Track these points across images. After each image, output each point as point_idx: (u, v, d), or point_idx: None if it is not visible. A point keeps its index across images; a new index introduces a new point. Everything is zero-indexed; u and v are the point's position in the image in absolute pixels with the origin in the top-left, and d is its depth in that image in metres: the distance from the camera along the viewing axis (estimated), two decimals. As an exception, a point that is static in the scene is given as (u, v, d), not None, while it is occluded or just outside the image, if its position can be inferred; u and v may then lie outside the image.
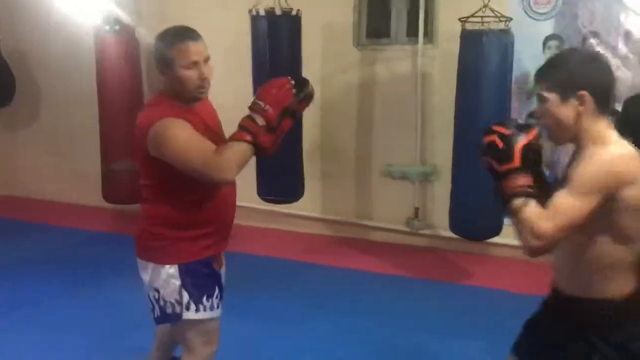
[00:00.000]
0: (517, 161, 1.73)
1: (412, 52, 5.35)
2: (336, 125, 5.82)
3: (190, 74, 2.28)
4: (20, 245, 5.58)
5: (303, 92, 2.33)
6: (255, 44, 4.81)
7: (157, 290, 2.35)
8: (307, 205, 5.82)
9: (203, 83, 2.34)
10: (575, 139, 1.77)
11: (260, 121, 2.24)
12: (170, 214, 2.35)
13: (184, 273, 2.33)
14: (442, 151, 5.22)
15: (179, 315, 2.33)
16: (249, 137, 2.22)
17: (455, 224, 4.67)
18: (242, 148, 2.23)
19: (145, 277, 2.39)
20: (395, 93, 5.49)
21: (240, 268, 4.93)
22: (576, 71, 1.71)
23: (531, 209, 1.69)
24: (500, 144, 1.76)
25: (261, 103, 2.27)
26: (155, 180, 2.35)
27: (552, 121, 1.76)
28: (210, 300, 2.36)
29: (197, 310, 2.33)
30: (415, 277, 4.81)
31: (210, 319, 2.39)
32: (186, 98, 2.36)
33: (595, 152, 1.68)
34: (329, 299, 4.34)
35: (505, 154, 1.75)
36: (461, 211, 4.59)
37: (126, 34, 5.81)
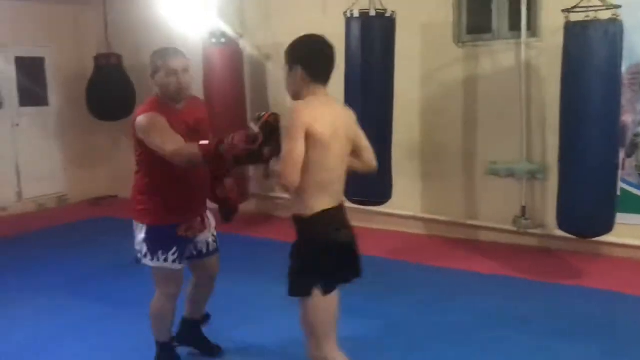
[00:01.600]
0: (260, 139, 2.41)
1: (516, 47, 5.20)
2: (437, 124, 5.77)
3: (170, 81, 2.92)
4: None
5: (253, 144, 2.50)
6: (349, 45, 4.88)
7: (135, 240, 3.07)
8: (406, 204, 5.82)
9: (180, 87, 2.94)
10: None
11: (222, 148, 2.61)
12: (145, 185, 3.03)
13: (148, 232, 2.99)
14: (549, 147, 5.03)
15: (140, 260, 3.05)
16: (204, 149, 2.67)
17: (564, 222, 4.48)
18: (193, 153, 2.71)
19: (134, 231, 3.08)
20: (499, 89, 5.35)
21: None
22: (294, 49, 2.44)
23: (276, 163, 2.36)
24: (250, 133, 2.44)
25: (231, 139, 2.57)
26: (138, 156, 3.03)
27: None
28: (165, 255, 2.98)
29: (151, 259, 2.99)
30: (522, 278, 4.66)
31: (166, 269, 3.00)
32: (169, 99, 2.96)
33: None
34: (431, 299, 4.31)
35: (251, 138, 2.43)
36: (570, 208, 4.40)
37: (231, 46, 6.12)
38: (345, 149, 2.42)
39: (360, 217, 6.13)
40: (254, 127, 2.46)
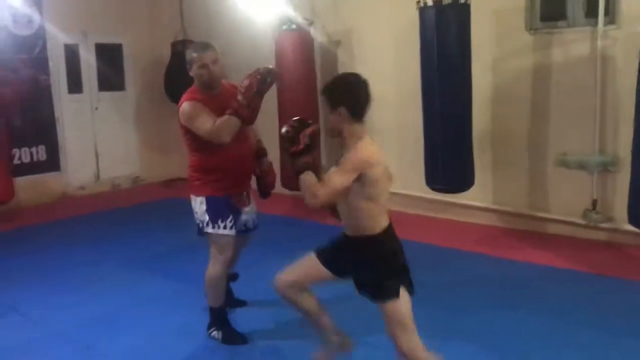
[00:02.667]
0: (302, 145, 2.59)
1: (591, 35, 5.02)
2: (508, 113, 5.66)
3: (202, 72, 3.39)
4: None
5: (267, 78, 3.24)
6: (424, 35, 4.86)
7: (196, 212, 3.48)
8: (478, 195, 5.76)
9: (210, 77, 3.42)
10: (340, 136, 2.65)
11: (241, 99, 3.20)
12: (196, 163, 3.47)
13: (207, 202, 3.42)
14: (624, 140, 4.85)
15: (203, 229, 3.46)
16: (232, 112, 3.21)
17: (635, 216, 4.34)
18: (228, 119, 3.21)
19: (193, 205, 3.49)
20: (572, 78, 5.20)
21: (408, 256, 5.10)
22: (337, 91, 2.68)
23: (311, 177, 2.56)
24: (292, 133, 2.62)
25: (241, 88, 3.22)
26: (186, 140, 3.45)
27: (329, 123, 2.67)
28: (224, 222, 3.43)
29: (212, 227, 3.42)
30: (591, 273, 4.54)
31: (223, 235, 3.43)
32: (204, 87, 3.44)
33: (354, 146, 2.58)
34: (500, 291, 4.27)
35: (295, 140, 2.60)
36: (641, 203, 4.25)
37: (301, 33, 6.19)
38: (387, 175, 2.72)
39: (429, 206, 6.15)
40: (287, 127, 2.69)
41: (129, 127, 8.35)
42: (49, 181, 7.44)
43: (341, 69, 6.68)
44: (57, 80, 7.51)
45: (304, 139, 2.61)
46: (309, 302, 2.84)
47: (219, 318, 3.58)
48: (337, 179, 2.51)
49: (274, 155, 4.07)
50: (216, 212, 3.42)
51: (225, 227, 3.44)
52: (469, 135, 5.09)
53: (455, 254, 5.11)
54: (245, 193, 3.60)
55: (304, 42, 6.25)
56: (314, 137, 2.65)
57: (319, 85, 6.59)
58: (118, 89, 8.18)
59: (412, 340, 2.63)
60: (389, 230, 2.70)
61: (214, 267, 3.48)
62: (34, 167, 7.18)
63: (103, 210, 6.95)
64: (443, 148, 5.00)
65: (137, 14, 8.22)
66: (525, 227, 5.62)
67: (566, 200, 5.37)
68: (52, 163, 7.47)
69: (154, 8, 8.36)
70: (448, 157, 4.99)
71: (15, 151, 7.01)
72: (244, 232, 3.63)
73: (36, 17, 7.18)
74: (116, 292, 4.35)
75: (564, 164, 5.29)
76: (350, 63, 6.60)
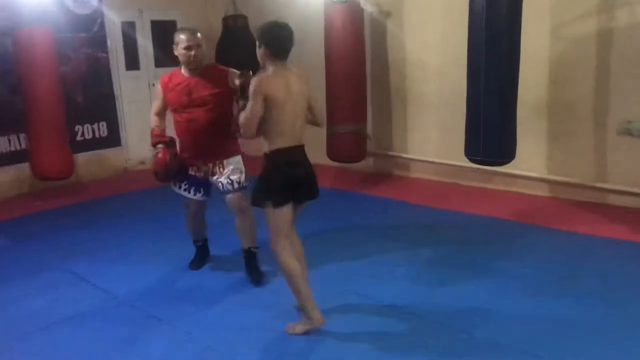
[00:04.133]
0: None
1: (658, -5, 4.79)
2: (568, 79, 5.48)
3: (184, 53, 3.88)
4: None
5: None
6: (473, 2, 4.72)
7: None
8: (530, 165, 5.64)
9: (191, 59, 3.90)
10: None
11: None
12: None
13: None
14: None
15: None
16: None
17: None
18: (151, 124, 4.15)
19: None
20: (637, 43, 4.98)
21: (460, 226, 5.07)
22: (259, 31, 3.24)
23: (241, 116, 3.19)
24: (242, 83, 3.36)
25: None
26: None
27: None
28: (179, 185, 4.10)
29: (175, 186, 4.13)
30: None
31: (180, 194, 4.13)
32: (186, 67, 3.99)
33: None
34: (558, 263, 4.21)
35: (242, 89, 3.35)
36: None
37: (352, 4, 6.13)
38: (299, 105, 3.21)
39: (481, 177, 6.07)
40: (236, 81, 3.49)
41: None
42: (111, 156, 7.68)
43: (390, 40, 6.61)
44: (115, 57, 7.70)
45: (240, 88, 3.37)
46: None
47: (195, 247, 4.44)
48: (248, 107, 3.10)
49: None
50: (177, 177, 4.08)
51: (179, 188, 4.11)
52: (513, 107, 4.88)
53: (506, 224, 5.05)
54: (207, 165, 4.02)
55: (354, 14, 6.19)
56: (247, 82, 3.28)
57: (368, 57, 6.55)
58: (173, 65, 8.28)
59: (278, 242, 3.22)
60: (284, 151, 3.18)
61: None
62: (95, 143, 7.43)
63: (163, 185, 7.12)
64: (484, 119, 4.87)
65: (191, -11, 8.30)
66: (585, 198, 5.49)
67: (628, 170, 5.19)
68: (113, 139, 7.70)
69: (207, -17, 8.42)
70: (489, 128, 4.86)
71: (78, 128, 7.27)
72: (223, 194, 4.04)
73: (94, -5, 7.34)
74: (177, 263, 4.49)
75: (627, 132, 5.10)
76: (399, 34, 6.52)
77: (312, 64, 7.12)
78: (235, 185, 4.02)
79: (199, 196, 4.11)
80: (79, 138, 7.26)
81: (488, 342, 3.20)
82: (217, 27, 7.86)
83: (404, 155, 6.79)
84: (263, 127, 3.15)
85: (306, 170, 3.31)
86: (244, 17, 7.70)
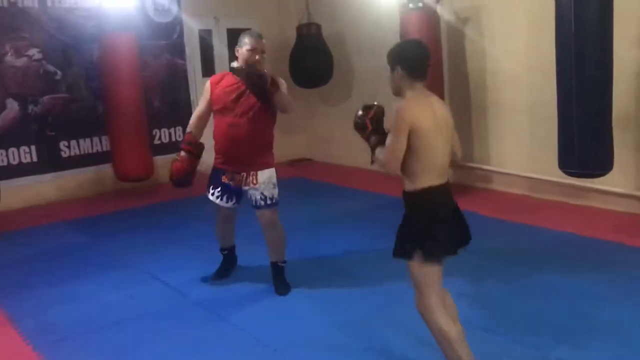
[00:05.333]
0: (369, 128, 2.86)
1: None
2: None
3: (247, 55, 3.86)
4: (329, 205, 6.41)
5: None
6: (560, 9, 4.55)
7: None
8: (618, 180, 5.35)
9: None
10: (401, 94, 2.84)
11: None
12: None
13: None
14: None
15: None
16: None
17: None
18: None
19: None
20: None
21: (536, 242, 4.87)
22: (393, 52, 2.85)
23: (380, 152, 2.76)
24: (359, 121, 2.91)
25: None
26: None
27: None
28: (212, 190, 4.04)
29: (207, 192, 4.09)
30: None
31: (211, 200, 4.07)
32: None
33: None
34: (634, 280, 3.98)
35: (363, 126, 2.88)
36: None
37: (428, 11, 6.05)
38: (446, 136, 2.75)
39: (569, 192, 5.81)
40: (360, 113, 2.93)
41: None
42: (186, 160, 7.89)
43: (469, 47, 6.47)
44: (192, 64, 7.93)
45: (369, 122, 2.86)
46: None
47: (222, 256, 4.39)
48: (390, 141, 2.67)
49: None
50: (209, 180, 4.06)
51: (212, 195, 4.04)
52: (608, 115, 4.70)
53: (591, 243, 4.80)
54: (241, 174, 3.94)
55: (430, 21, 6.10)
56: (377, 117, 2.89)
57: (445, 64, 6.44)
58: (247, 72, 8.46)
59: (424, 302, 2.71)
60: (434, 189, 2.71)
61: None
62: (172, 147, 7.65)
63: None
64: (578, 129, 4.67)
65: (266, -3, 8.45)
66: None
67: None
68: (188, 143, 7.91)
69: (282, -9, 8.55)
70: (584, 138, 4.65)
71: (155, 131, 7.52)
72: (253, 207, 4.01)
73: (174, 5, 7.60)
74: (248, 264, 4.54)
75: None
76: (478, 40, 6.37)
77: (385, 72, 7.10)
78: (269, 202, 3.98)
79: (230, 204, 4.04)
80: (156, 141, 7.50)
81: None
82: (291, 35, 7.96)
83: (485, 167, 6.60)
84: (406, 162, 2.68)
85: (454, 212, 2.83)
86: (318, 26, 7.77)
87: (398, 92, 2.82)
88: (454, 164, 3.05)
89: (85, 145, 7.13)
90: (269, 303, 3.91)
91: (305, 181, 7.51)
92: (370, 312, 3.73)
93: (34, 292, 4.30)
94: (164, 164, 7.43)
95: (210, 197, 4.06)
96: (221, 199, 4.02)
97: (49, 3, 6.73)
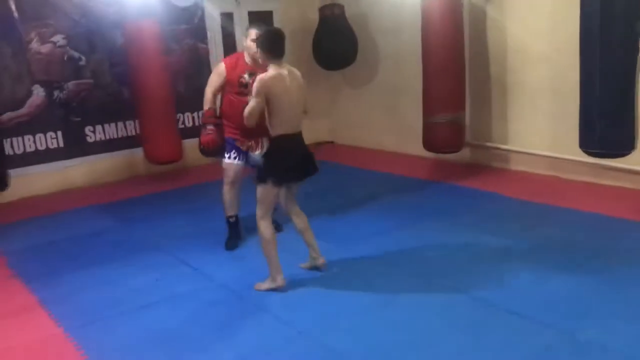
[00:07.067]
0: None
1: None
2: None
3: (250, 45, 4.35)
4: (351, 188, 6.41)
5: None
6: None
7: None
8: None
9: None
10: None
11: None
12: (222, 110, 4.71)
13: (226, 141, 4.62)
14: None
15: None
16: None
17: None
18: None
19: None
20: None
21: (563, 223, 4.82)
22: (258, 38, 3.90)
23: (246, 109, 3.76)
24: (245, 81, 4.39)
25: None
26: None
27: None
28: (228, 154, 4.62)
29: (223, 157, 4.65)
30: None
31: (226, 162, 4.64)
32: (250, 58, 4.49)
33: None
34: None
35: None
36: None
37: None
38: (297, 99, 3.75)
39: (594, 172, 5.72)
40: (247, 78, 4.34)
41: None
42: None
43: (491, 27, 6.37)
44: (214, 48, 7.93)
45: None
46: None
47: (227, 224, 4.78)
48: (251, 102, 3.67)
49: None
50: (225, 148, 4.61)
51: (229, 158, 4.62)
52: (632, 95, 4.57)
53: (613, 222, 4.73)
54: (250, 141, 4.63)
55: (453, 4, 6.00)
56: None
57: (467, 43, 6.34)
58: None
59: (265, 215, 3.79)
60: (285, 137, 3.73)
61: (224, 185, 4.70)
62: (196, 131, 7.67)
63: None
64: (600, 108, 4.58)
65: (287, -21, 8.38)
66: None
67: None
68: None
69: (303, -27, 8.47)
70: (606, 117, 4.56)
71: (179, 116, 7.55)
72: (252, 165, 4.66)
73: (195, -12, 7.58)
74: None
75: None
76: (501, 20, 6.26)
77: (408, 53, 7.05)
78: None
79: (241, 162, 4.65)
80: (180, 126, 7.54)
81: (594, 344, 3.02)
82: (314, 17, 7.90)
83: (503, 147, 6.53)
84: (269, 117, 3.70)
85: (303, 152, 3.87)
86: (341, 6, 7.68)
87: (264, 67, 3.77)
88: (305, 114, 3.92)
89: (111, 130, 7.20)
90: (293, 286, 3.92)
91: (328, 163, 7.48)
92: (394, 295, 3.73)
93: (64, 276, 4.38)
94: (190, 147, 7.51)
95: (227, 161, 4.63)
96: (235, 159, 4.64)
97: (72, -11, 6.78)
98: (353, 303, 3.66)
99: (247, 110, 3.69)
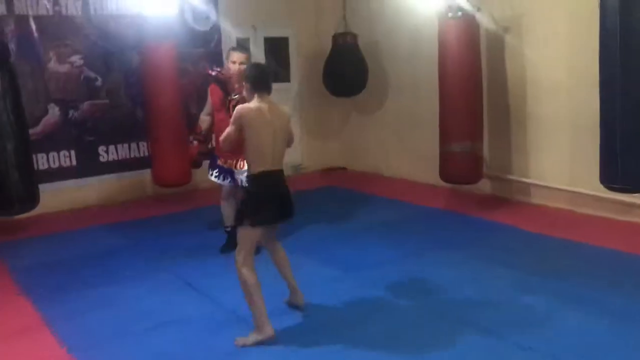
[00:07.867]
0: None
1: None
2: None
3: (230, 66, 4.92)
4: (363, 215, 6.33)
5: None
6: (604, 19, 4.41)
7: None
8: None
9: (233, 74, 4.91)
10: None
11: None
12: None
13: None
14: None
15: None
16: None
17: None
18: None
19: None
20: None
21: (576, 258, 4.74)
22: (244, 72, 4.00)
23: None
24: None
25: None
26: None
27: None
28: (211, 171, 5.11)
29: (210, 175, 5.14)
30: None
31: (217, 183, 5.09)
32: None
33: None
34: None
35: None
36: None
37: (467, 20, 5.97)
38: (279, 135, 3.64)
39: (605, 207, 5.64)
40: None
41: (293, 117, 8.63)
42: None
43: (509, 56, 6.36)
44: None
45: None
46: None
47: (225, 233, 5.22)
48: (228, 129, 3.67)
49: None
50: (210, 164, 5.13)
51: (212, 175, 5.08)
52: None
53: (632, 259, 4.65)
54: (232, 159, 4.92)
55: (470, 30, 6.01)
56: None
57: (485, 73, 6.34)
58: (284, 80, 8.50)
59: (245, 258, 3.58)
60: (265, 175, 3.59)
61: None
62: (208, 153, 7.70)
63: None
64: (622, 142, 4.50)
65: (303, 7, 8.46)
66: None
67: None
68: (223, 150, 7.96)
69: (319, 0, 8.55)
70: (629, 151, 4.49)
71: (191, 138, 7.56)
72: (238, 186, 4.90)
73: (213, 13, 7.68)
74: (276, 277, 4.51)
75: None
76: (519, 49, 6.25)
77: (424, 81, 7.06)
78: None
79: (226, 182, 5.00)
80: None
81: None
82: (327, 44, 7.95)
83: (525, 180, 6.45)
84: (246, 152, 3.64)
85: (283, 192, 3.71)
86: (354, 35, 7.74)
87: (249, 100, 3.71)
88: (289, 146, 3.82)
89: (123, 151, 7.24)
90: (300, 313, 3.87)
91: (339, 190, 7.48)
92: (397, 326, 3.68)
93: (70, 295, 4.36)
94: (201, 170, 7.51)
95: (211, 177, 5.09)
96: (219, 178, 5.02)
97: (92, 11, 6.87)
98: (354, 334, 3.60)
99: (223, 135, 3.76)
